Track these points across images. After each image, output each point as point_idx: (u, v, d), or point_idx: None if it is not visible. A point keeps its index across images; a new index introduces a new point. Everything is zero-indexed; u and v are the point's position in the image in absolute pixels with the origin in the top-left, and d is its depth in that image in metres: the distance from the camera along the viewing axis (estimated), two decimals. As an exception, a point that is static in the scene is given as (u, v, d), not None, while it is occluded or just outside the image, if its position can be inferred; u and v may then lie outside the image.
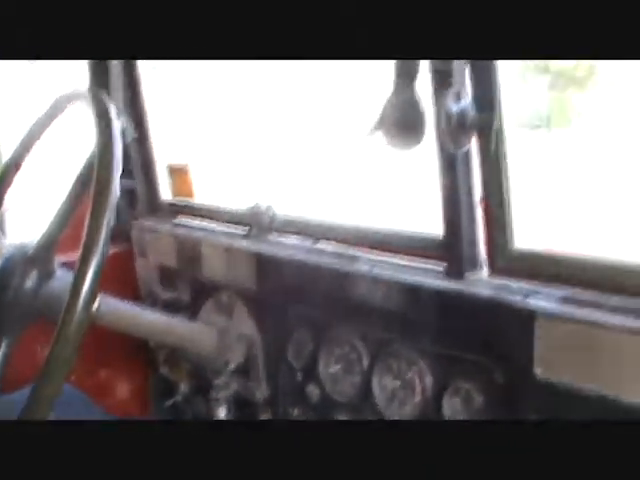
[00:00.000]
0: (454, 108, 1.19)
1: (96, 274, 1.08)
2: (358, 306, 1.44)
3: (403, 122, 1.19)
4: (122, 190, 1.24)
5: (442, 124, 1.20)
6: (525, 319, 1.16)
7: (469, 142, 1.23)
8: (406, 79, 1.20)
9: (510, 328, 1.19)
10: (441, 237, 1.36)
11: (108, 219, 1.13)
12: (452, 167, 1.29)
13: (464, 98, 1.21)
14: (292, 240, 1.68)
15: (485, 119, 1.23)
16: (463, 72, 1.22)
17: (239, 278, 1.73)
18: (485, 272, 1.32)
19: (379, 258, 1.47)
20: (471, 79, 1.23)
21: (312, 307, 1.56)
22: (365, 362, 1.46)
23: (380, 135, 1.20)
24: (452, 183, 1.30)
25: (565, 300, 1.16)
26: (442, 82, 1.23)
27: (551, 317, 1.14)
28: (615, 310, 1.10)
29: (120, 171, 1.19)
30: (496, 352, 1.22)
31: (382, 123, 1.20)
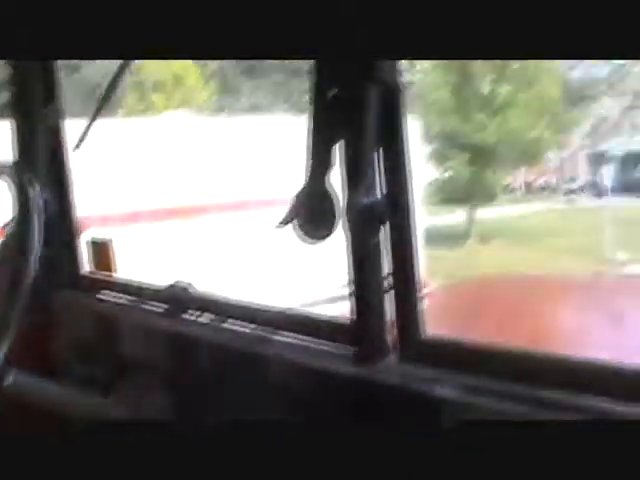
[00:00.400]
0: (365, 200, 1.22)
1: (6, 354, 1.09)
2: (272, 388, 1.45)
3: (315, 213, 1.22)
4: (43, 261, 1.24)
5: (352, 216, 1.22)
6: (430, 407, 1.19)
7: (379, 233, 1.26)
8: (319, 170, 1.23)
9: (416, 416, 1.21)
10: (350, 322, 1.37)
11: (22, 299, 1.14)
12: (362, 256, 1.31)
13: (375, 190, 1.24)
14: (208, 320, 1.68)
15: (394, 212, 1.26)
16: (374, 165, 1.25)
17: (155, 356, 1.72)
18: (394, 358, 1.32)
19: (290, 341, 1.49)
20: (382, 172, 1.26)
21: (226, 387, 1.56)
22: None
23: (291, 226, 1.22)
24: (362, 271, 1.32)
25: (469, 389, 1.18)
26: (354, 174, 1.26)
27: (456, 406, 1.16)
28: (518, 399, 1.12)
29: (37, 253, 1.21)
30: None
31: (294, 214, 1.22)
